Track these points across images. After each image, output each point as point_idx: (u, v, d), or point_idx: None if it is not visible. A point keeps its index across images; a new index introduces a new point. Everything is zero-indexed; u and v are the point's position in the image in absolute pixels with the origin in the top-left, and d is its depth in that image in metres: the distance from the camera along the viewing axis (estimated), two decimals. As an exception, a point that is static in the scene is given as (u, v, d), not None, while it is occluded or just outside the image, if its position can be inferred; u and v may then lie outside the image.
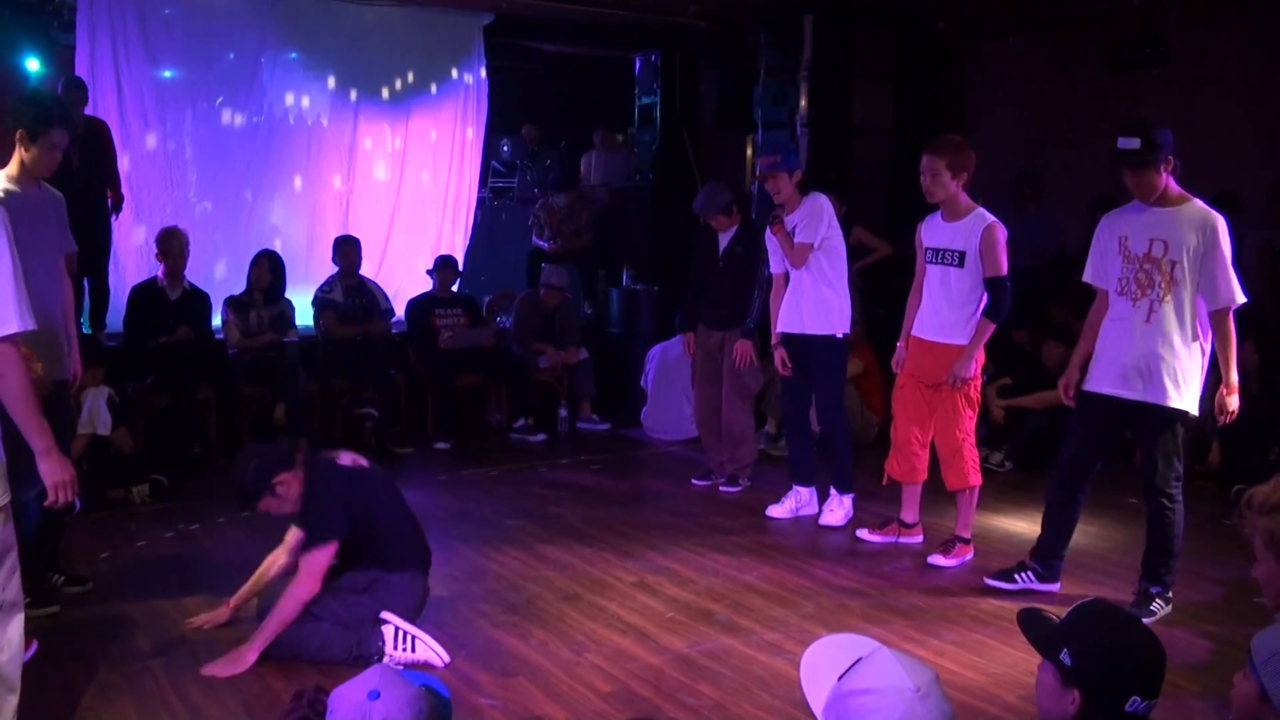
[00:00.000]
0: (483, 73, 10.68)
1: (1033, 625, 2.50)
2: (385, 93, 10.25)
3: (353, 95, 10.05)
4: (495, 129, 11.37)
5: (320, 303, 8.55)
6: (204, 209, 9.42)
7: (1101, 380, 4.99)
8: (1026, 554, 5.36)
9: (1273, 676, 2.36)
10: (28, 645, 3.58)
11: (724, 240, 7.07)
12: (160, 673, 4.20)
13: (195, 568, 5.54)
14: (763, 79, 10.38)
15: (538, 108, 12.24)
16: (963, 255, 5.56)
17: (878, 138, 10.08)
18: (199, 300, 7.94)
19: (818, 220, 6.32)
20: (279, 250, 8.72)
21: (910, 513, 6.07)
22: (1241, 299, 4.81)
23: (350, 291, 8.61)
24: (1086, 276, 5.21)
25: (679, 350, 8.50)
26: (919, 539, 6.05)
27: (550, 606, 5.01)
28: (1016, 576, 5.27)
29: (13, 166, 4.58)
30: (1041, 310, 8.73)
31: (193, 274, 8.00)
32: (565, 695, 4.07)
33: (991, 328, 5.58)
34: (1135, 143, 4.88)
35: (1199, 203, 4.88)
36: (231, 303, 8.18)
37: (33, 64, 9.11)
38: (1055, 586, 5.28)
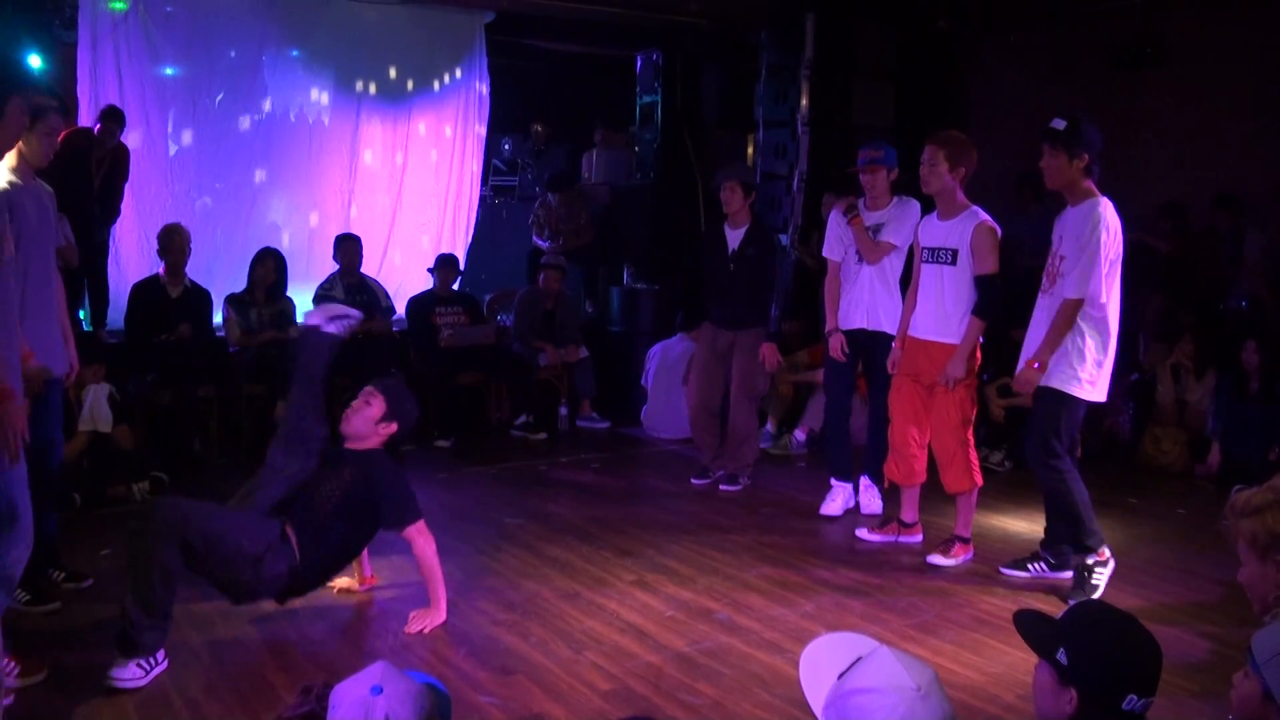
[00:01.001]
0: (484, 71, 10.69)
1: (1029, 625, 2.51)
2: (387, 91, 10.26)
3: (354, 93, 10.07)
4: (497, 127, 11.38)
5: (322, 300, 8.55)
6: (205, 206, 9.43)
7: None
8: (1037, 546, 5.50)
9: (1277, 676, 2.36)
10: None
11: (733, 240, 7.03)
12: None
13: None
14: (764, 78, 10.38)
15: (538, 106, 12.24)
16: (955, 253, 5.58)
17: (878, 137, 10.04)
18: (200, 297, 7.94)
19: (907, 224, 6.28)
20: (281, 248, 8.72)
21: (910, 512, 6.08)
22: (1077, 293, 4.99)
23: (351, 289, 8.62)
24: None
25: (679, 349, 8.52)
26: (918, 538, 6.05)
27: (550, 604, 5.01)
28: (1030, 566, 5.44)
29: (11, 158, 4.53)
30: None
31: (193, 271, 8.01)
32: (564, 693, 4.07)
33: (981, 326, 5.60)
34: (1061, 124, 5.03)
35: (1100, 201, 5.04)
36: (233, 300, 8.18)
37: (34, 61, 9.11)
38: (1068, 575, 5.32)
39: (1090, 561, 5.15)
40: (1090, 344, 5.07)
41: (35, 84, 4.78)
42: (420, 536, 4.69)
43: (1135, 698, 2.26)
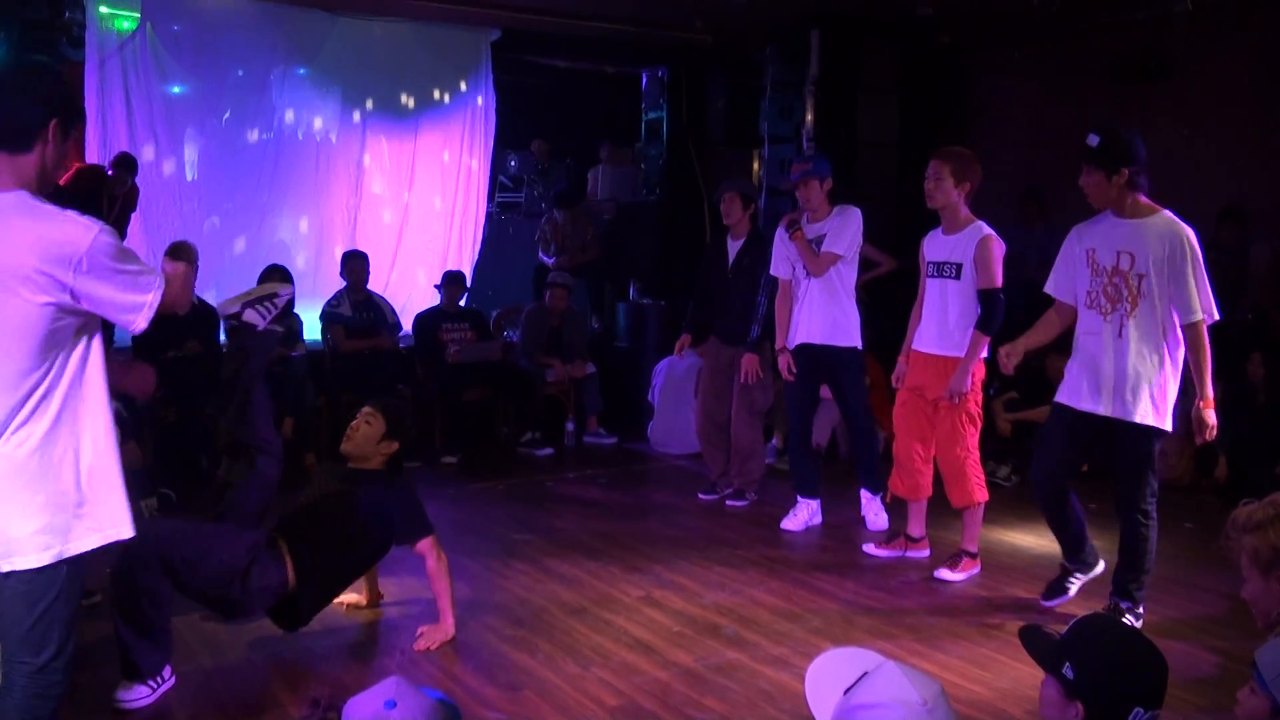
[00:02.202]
0: (491, 88, 10.72)
1: (1034, 640, 2.51)
2: (394, 108, 10.30)
3: (361, 111, 10.10)
4: (503, 144, 11.41)
5: (328, 317, 8.58)
6: (213, 225, 9.46)
7: (1074, 394, 4.92)
8: (1059, 564, 5.30)
9: (1286, 691, 2.36)
10: None
11: (733, 251, 7.07)
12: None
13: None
14: (769, 93, 10.41)
15: (545, 123, 12.28)
16: (959, 267, 5.58)
17: (883, 152, 10.10)
18: (208, 315, 7.95)
19: (848, 232, 6.33)
20: (288, 265, 8.74)
21: (916, 527, 6.07)
22: (1214, 314, 4.69)
23: (358, 306, 8.64)
24: (1048, 288, 5.14)
25: (686, 364, 8.52)
26: (926, 553, 6.05)
27: (557, 621, 5.02)
28: (1067, 585, 5.23)
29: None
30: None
31: (201, 289, 8.03)
32: (572, 710, 4.07)
33: (985, 341, 5.57)
34: (1095, 140, 4.82)
35: (1168, 214, 4.80)
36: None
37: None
38: (1101, 567, 5.24)
39: (1125, 608, 4.92)
40: (1172, 372, 4.80)
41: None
42: (432, 551, 4.71)
43: (1141, 711, 2.26)
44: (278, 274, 8.35)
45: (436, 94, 10.50)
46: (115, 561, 4.06)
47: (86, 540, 2.84)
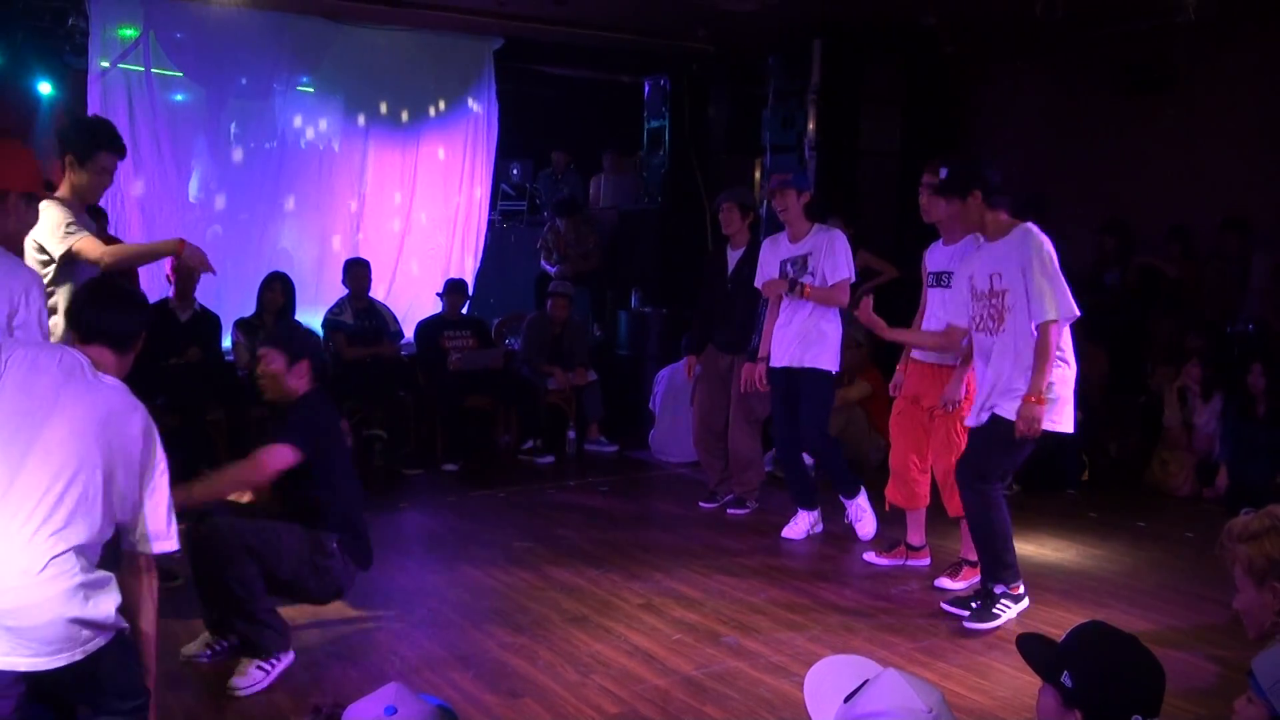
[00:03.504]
0: (493, 97, 10.74)
1: (1032, 649, 2.51)
2: (396, 116, 10.31)
3: (363, 119, 10.12)
4: (505, 152, 11.43)
5: (330, 325, 8.60)
6: (215, 232, 9.47)
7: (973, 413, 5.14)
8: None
9: (1284, 699, 2.37)
10: None
11: (732, 260, 7.09)
12: (165, 691, 4.20)
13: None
14: (771, 103, 10.43)
15: (547, 132, 12.30)
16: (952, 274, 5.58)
17: (885, 161, 10.12)
18: (209, 321, 7.99)
19: (844, 253, 6.34)
20: (290, 273, 8.76)
21: (916, 535, 6.07)
22: (1074, 312, 4.87)
23: (360, 314, 8.66)
24: (958, 322, 5.29)
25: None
26: (926, 561, 6.04)
27: (557, 628, 5.02)
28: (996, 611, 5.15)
29: (64, 190, 4.74)
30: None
31: (204, 296, 8.05)
32: (572, 717, 4.07)
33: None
34: (944, 172, 5.08)
35: (1026, 226, 4.99)
36: (242, 324, 8.22)
37: (45, 88, 9.18)
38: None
39: (999, 591, 5.04)
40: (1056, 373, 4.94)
41: (90, 120, 5.09)
42: (264, 457, 4.37)
43: (1140, 718, 2.27)
44: (279, 281, 8.39)
45: (439, 103, 10.52)
46: (196, 562, 4.22)
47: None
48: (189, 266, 4.72)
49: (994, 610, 5.02)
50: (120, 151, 4.91)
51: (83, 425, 3.00)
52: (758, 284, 6.67)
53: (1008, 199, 5.02)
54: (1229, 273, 8.69)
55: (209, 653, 4.50)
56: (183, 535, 3.34)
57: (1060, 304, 4.82)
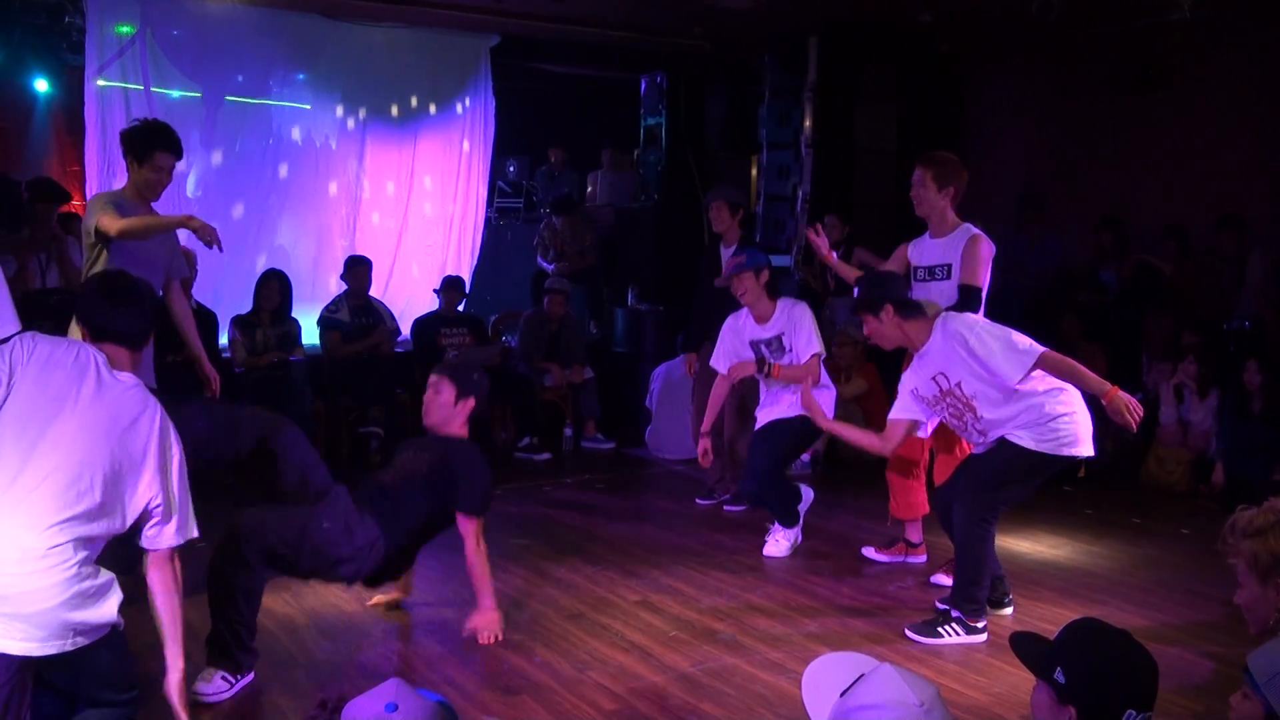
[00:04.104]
0: (490, 94, 10.74)
1: (1026, 646, 2.52)
2: (393, 114, 10.32)
3: (360, 116, 10.13)
4: (502, 150, 11.43)
5: (326, 322, 8.59)
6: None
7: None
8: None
9: (1279, 694, 2.37)
10: None
11: (725, 258, 7.10)
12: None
13: (200, 585, 5.52)
14: (767, 100, 10.45)
15: (544, 129, 12.30)
16: (949, 268, 5.55)
17: (881, 159, 10.12)
18: (205, 319, 7.97)
19: (810, 327, 6.25)
20: (286, 270, 8.75)
21: (915, 533, 6.07)
22: (1029, 365, 4.63)
23: (356, 311, 8.65)
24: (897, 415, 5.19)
25: (684, 370, 8.52)
26: (923, 559, 6.05)
27: (554, 625, 5.02)
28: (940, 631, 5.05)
29: (128, 189, 5.17)
30: (1049, 327, 8.74)
31: (200, 293, 8.04)
32: (568, 713, 4.07)
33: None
34: (856, 291, 5.17)
35: (940, 320, 4.88)
36: (238, 322, 8.22)
37: (42, 86, 9.18)
38: (1007, 611, 5.27)
39: (955, 615, 4.93)
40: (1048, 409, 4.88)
41: (147, 121, 5.41)
42: (476, 535, 4.69)
43: (1134, 713, 2.27)
44: (276, 279, 8.38)
45: (436, 100, 10.53)
46: (214, 561, 4.23)
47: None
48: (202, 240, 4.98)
49: (939, 629, 4.89)
50: (177, 152, 5.23)
51: (92, 424, 3.05)
52: (714, 364, 6.52)
53: (913, 305, 4.96)
54: (1225, 270, 8.70)
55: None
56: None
57: (1025, 352, 4.64)
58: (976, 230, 5.55)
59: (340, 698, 2.72)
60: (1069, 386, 4.76)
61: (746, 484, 6.50)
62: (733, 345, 6.47)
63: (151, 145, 5.11)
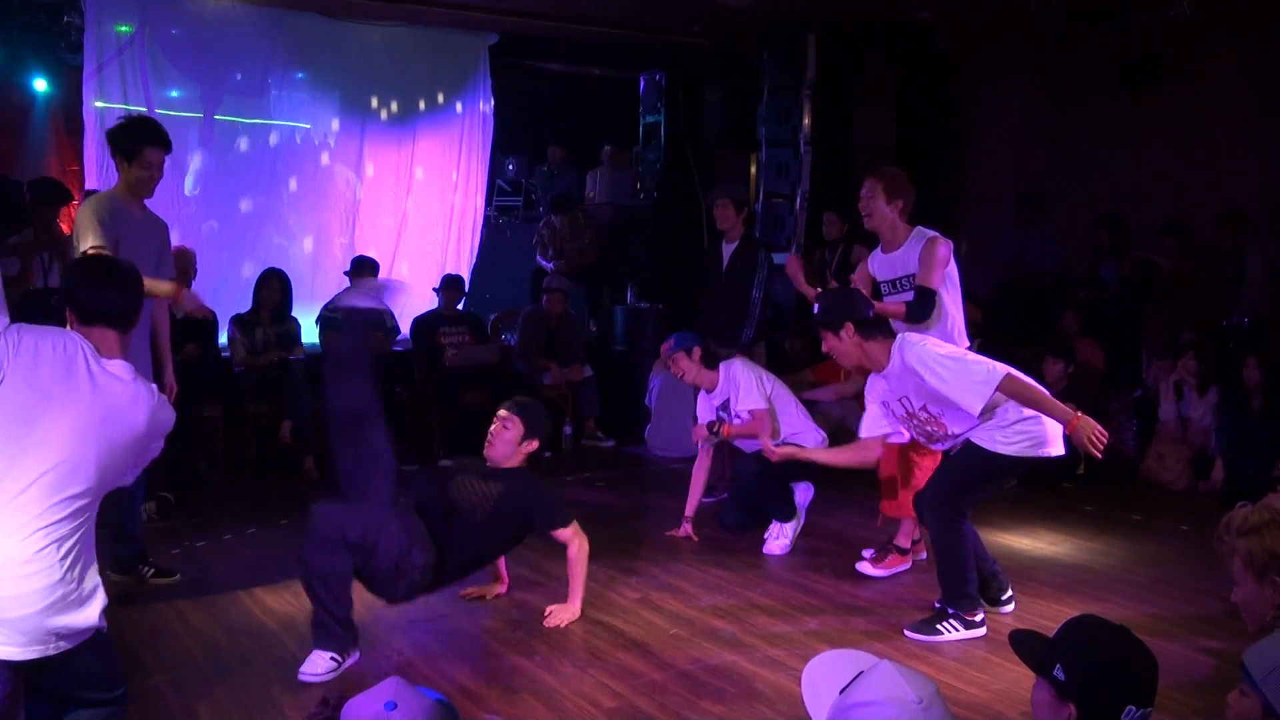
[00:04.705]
0: (488, 92, 10.73)
1: (1025, 644, 2.52)
2: (391, 112, 10.31)
3: (359, 114, 10.12)
4: (501, 148, 11.43)
5: (325, 321, 8.59)
6: (211, 228, 9.47)
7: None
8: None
9: (1277, 691, 2.37)
10: None
11: (726, 255, 7.11)
12: (166, 690, 4.22)
13: (200, 584, 5.55)
14: (766, 98, 10.45)
15: (543, 127, 12.30)
16: (912, 277, 5.55)
17: (880, 156, 10.07)
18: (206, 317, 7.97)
19: (747, 383, 6.35)
20: (286, 269, 8.75)
21: (905, 538, 6.01)
22: (988, 394, 4.55)
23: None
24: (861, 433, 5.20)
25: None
26: (922, 556, 6.03)
27: (554, 623, 5.03)
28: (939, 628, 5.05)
29: (119, 186, 5.12)
30: (1046, 325, 8.75)
31: (200, 292, 8.02)
32: (569, 711, 4.08)
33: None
34: (815, 308, 5.10)
35: (898, 343, 4.80)
36: (238, 321, 8.22)
37: (40, 85, 9.17)
38: (1008, 610, 5.27)
39: (950, 611, 4.93)
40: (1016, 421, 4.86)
41: (134, 119, 5.38)
42: (575, 538, 5.00)
43: (1134, 709, 2.27)
44: (276, 278, 8.39)
45: (435, 98, 10.53)
46: (304, 547, 4.34)
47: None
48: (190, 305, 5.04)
49: (938, 626, 4.89)
50: (166, 146, 5.18)
51: (82, 422, 2.99)
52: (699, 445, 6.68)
53: (876, 326, 4.90)
54: (1224, 267, 8.71)
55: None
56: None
57: (984, 382, 4.55)
58: (932, 233, 5.52)
59: (343, 695, 2.72)
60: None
61: (726, 516, 6.64)
62: (704, 414, 6.63)
63: (138, 141, 5.04)
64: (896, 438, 5.26)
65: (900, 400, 4.87)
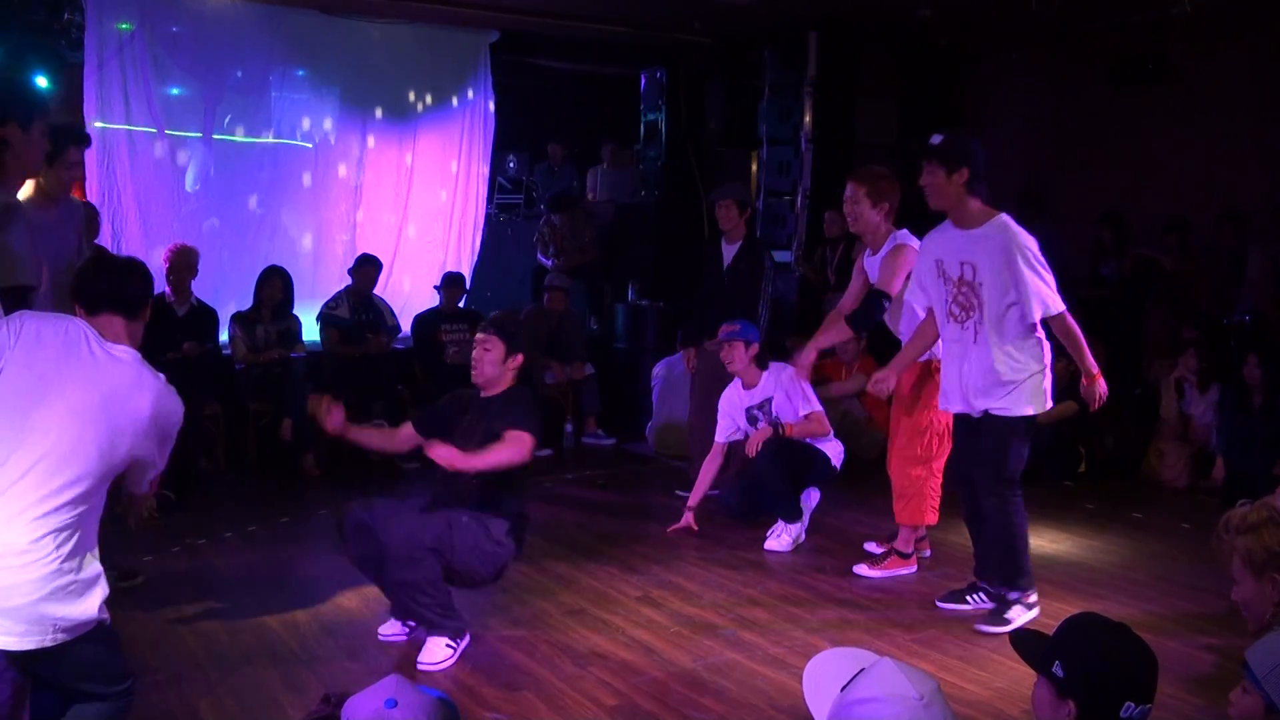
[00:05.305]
0: (489, 90, 10.73)
1: (1025, 642, 2.52)
2: (392, 109, 10.30)
3: (360, 112, 10.10)
4: (502, 145, 11.42)
5: (326, 318, 8.59)
6: (212, 225, 9.46)
7: (952, 400, 5.05)
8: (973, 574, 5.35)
9: (1278, 688, 2.37)
10: None
11: (728, 255, 7.10)
12: (167, 687, 4.22)
13: (201, 582, 5.55)
14: (767, 95, 10.44)
15: (544, 125, 12.30)
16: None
17: (881, 153, 10.07)
18: (207, 316, 7.98)
19: (803, 389, 6.41)
20: (287, 266, 8.74)
21: (905, 543, 5.97)
22: (1058, 307, 4.76)
23: (356, 308, 8.64)
24: (917, 302, 5.22)
25: (684, 366, 8.53)
26: (927, 553, 6.03)
27: (555, 620, 5.03)
28: (968, 598, 5.26)
29: (29, 189, 4.73)
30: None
31: (201, 290, 8.05)
32: (570, 709, 4.08)
33: (846, 333, 5.82)
34: (938, 138, 4.92)
35: (1002, 218, 4.88)
36: (238, 318, 8.22)
37: (41, 82, 9.16)
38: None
39: (1012, 599, 5.01)
40: (1033, 361, 4.92)
41: (46, 107, 5.03)
42: (514, 444, 4.55)
43: (1133, 705, 2.27)
44: (277, 275, 8.38)
45: (435, 96, 10.52)
46: (391, 572, 4.43)
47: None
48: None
49: (1007, 615, 4.95)
50: (86, 140, 5.08)
51: (82, 405, 2.96)
52: (720, 439, 6.67)
53: (985, 188, 4.91)
54: (1225, 265, 8.71)
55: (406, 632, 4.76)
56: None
57: (1053, 298, 4.75)
58: (904, 240, 5.51)
59: (344, 693, 2.72)
60: (1048, 346, 4.87)
61: (729, 497, 6.66)
62: (731, 418, 6.64)
63: (59, 144, 4.71)
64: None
65: (962, 264, 4.86)
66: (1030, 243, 4.79)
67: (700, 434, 7.33)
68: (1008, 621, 4.91)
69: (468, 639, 4.60)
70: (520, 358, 4.90)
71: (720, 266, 7.11)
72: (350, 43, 9.90)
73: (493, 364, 4.85)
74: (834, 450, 6.49)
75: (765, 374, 6.53)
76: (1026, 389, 4.83)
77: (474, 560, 4.57)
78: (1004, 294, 4.76)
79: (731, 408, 6.62)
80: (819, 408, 6.43)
